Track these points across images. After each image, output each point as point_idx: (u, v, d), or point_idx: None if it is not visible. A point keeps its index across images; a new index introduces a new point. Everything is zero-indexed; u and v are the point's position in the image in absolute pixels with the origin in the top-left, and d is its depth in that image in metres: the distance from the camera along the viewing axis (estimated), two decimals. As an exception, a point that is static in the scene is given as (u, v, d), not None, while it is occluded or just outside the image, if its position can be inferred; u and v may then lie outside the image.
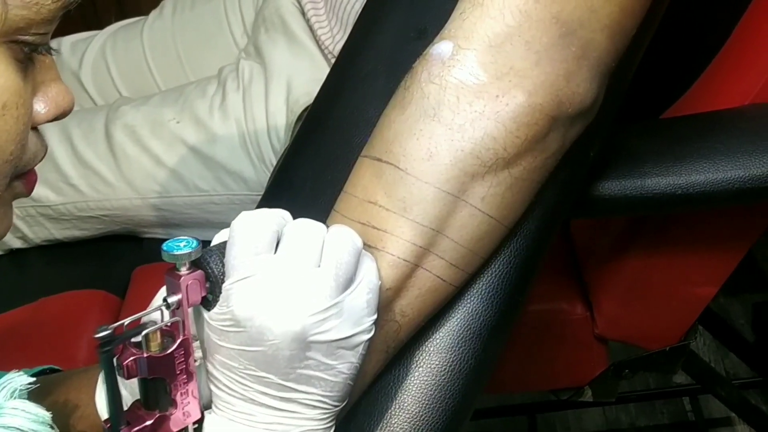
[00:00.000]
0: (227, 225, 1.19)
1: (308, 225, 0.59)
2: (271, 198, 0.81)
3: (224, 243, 0.59)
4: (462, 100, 0.63)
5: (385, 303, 0.63)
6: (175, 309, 0.57)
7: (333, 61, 1.17)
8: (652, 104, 0.97)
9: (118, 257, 1.30)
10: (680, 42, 0.93)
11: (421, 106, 0.64)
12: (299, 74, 1.18)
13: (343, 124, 0.78)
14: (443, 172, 0.63)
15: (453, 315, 0.70)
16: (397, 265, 0.64)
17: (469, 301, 0.70)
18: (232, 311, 0.56)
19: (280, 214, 0.60)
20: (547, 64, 0.64)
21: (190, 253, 0.55)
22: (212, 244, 0.61)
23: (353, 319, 0.58)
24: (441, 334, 0.70)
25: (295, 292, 0.56)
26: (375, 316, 0.60)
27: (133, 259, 1.27)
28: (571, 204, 0.75)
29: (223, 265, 0.57)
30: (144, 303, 1.29)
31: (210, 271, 0.57)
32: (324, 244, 0.58)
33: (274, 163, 1.16)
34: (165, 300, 0.57)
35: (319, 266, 0.57)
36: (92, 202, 1.24)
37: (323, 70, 1.16)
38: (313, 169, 0.79)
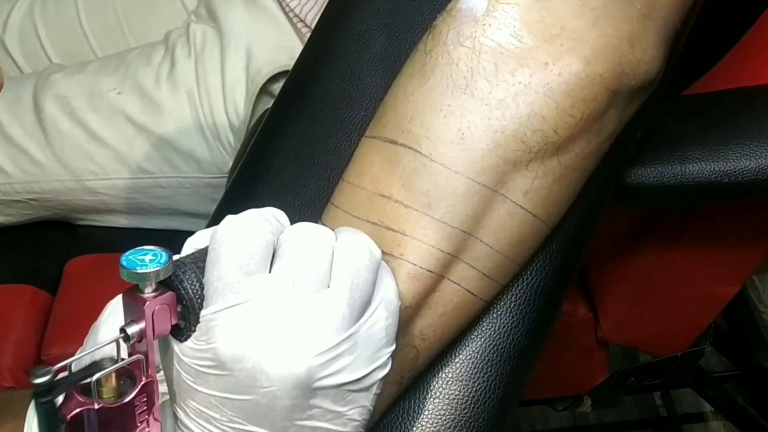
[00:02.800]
0: (176, 212, 1.03)
1: (312, 232, 0.45)
2: (241, 188, 0.66)
3: (201, 252, 0.45)
4: (502, 68, 0.50)
5: (402, 324, 0.49)
6: (137, 342, 0.42)
7: (300, 25, 1.03)
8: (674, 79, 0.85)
9: (48, 247, 1.16)
10: (710, 10, 0.81)
11: (449, 75, 0.51)
12: (261, 39, 1.03)
13: (331, 95, 0.65)
14: (478, 160, 0.50)
15: (477, 334, 0.57)
16: (418, 276, 0.50)
17: (496, 317, 0.57)
18: (214, 349, 0.42)
19: (275, 216, 0.46)
20: (608, 25, 0.51)
21: (158, 271, 0.41)
22: (183, 251, 0.47)
23: (369, 353, 0.45)
24: (462, 357, 0.57)
25: (298, 323, 0.43)
26: (393, 347, 0.46)
27: (66, 249, 1.13)
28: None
29: (201, 285, 0.43)
30: (79, 300, 1.10)
31: (183, 292, 0.43)
32: (334, 256, 0.45)
33: (232, 141, 1.01)
34: (123, 330, 0.42)
35: (328, 287, 0.44)
36: (18, 185, 1.08)
37: (288, 36, 1.02)
38: (295, 150, 0.64)
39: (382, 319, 0.46)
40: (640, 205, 0.79)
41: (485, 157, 0.50)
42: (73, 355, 0.51)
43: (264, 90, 1.02)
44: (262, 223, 0.45)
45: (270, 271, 0.44)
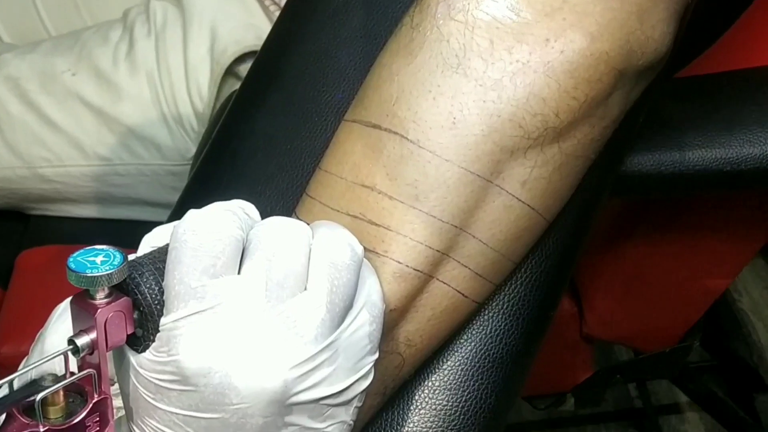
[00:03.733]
0: (135, 201, 0.97)
1: (287, 227, 0.40)
2: (205, 177, 0.61)
3: (160, 252, 0.39)
4: (498, 44, 0.45)
5: (386, 329, 0.44)
6: (88, 354, 0.37)
7: (267, 2, 0.97)
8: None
9: (-2, 239, 1.09)
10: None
11: (439, 53, 0.46)
12: (226, 18, 0.97)
13: (305, 75, 0.59)
14: (472, 146, 0.45)
15: (467, 338, 0.52)
16: (404, 276, 0.45)
17: (487, 319, 0.52)
18: (177, 361, 0.37)
19: (244, 210, 0.41)
20: None
21: (111, 274, 0.35)
22: (140, 250, 0.41)
23: (350, 362, 0.40)
24: (451, 364, 0.52)
25: (271, 332, 0.37)
26: (376, 355, 0.41)
27: (18, 240, 1.07)
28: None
29: (161, 289, 0.38)
30: (32, 295, 1.05)
31: (141, 297, 0.37)
32: (311, 254, 0.39)
33: (195, 126, 0.95)
34: (71, 341, 0.36)
35: (305, 289, 0.38)
36: (-35, 172, 1.01)
37: (256, 14, 0.97)
38: (265, 135, 0.59)
39: (365, 324, 0.41)
40: (636, 195, 0.74)
41: (479, 143, 0.45)
42: (26, 354, 0.46)
43: (229, 72, 0.96)
44: (229, 217, 0.39)
45: (239, 273, 0.38)
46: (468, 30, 0.45)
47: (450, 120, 0.45)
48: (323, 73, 0.58)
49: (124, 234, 1.01)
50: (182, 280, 0.37)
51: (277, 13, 0.97)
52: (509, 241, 0.47)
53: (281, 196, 0.56)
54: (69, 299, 0.39)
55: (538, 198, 0.47)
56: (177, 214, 0.59)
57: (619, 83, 0.47)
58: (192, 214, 0.39)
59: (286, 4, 0.63)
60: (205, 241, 0.38)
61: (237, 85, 0.98)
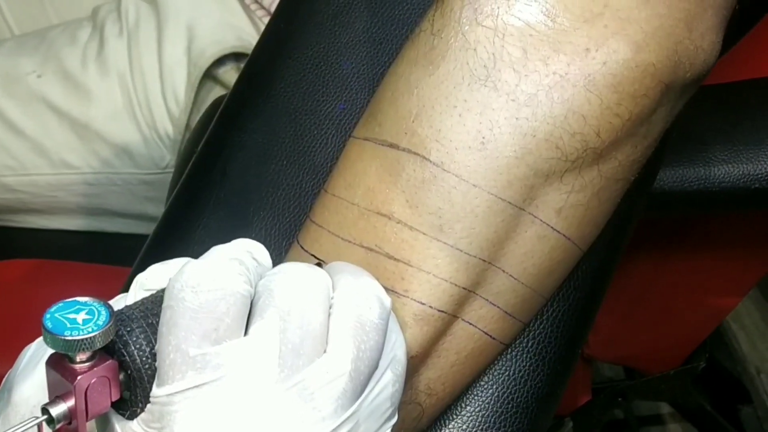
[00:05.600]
0: (106, 212, 0.90)
1: (304, 277, 0.34)
2: (190, 197, 0.54)
3: (152, 302, 0.33)
4: (532, 54, 0.39)
5: (405, 378, 0.38)
6: (66, 425, 0.31)
7: (249, 2, 0.90)
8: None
9: (-42, 252, 1.02)
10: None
11: (465, 63, 0.40)
12: (204, 16, 0.90)
13: (302, 83, 0.54)
14: (503, 170, 0.39)
15: (488, 381, 0.46)
16: (426, 318, 0.40)
17: (510, 359, 0.47)
18: None
19: (252, 254, 0.35)
20: (661, 3, 0.40)
21: (93, 337, 0.29)
22: (131, 293, 0.35)
23: (370, 428, 0.34)
24: (471, 409, 0.46)
25: (285, 410, 0.31)
26: (396, 419, 0.36)
27: (-21, 253, 0.99)
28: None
29: (152, 350, 0.32)
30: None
31: (129, 359, 0.32)
32: (333, 307, 0.34)
33: (171, 133, 0.89)
34: (45, 409, 0.31)
35: (324, 351, 0.33)
36: None
37: (236, 13, 0.90)
38: (258, 149, 0.53)
39: (388, 385, 0.35)
40: (657, 213, 0.69)
41: (511, 166, 0.40)
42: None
43: (208, 75, 0.90)
44: (235, 269, 0.33)
45: (246, 334, 0.33)
46: (498, 37, 0.40)
47: (478, 140, 0.40)
48: (323, 81, 0.53)
49: (94, 247, 0.94)
50: (179, 347, 0.31)
51: (259, 13, 0.91)
52: (542, 276, 0.42)
53: (278, 217, 0.50)
54: (40, 338, 0.33)
55: (574, 227, 0.42)
56: (161, 238, 0.53)
57: (665, 98, 0.42)
58: (191, 267, 0.33)
59: (280, 4, 0.57)
60: (207, 300, 0.32)
61: (216, 89, 0.92)
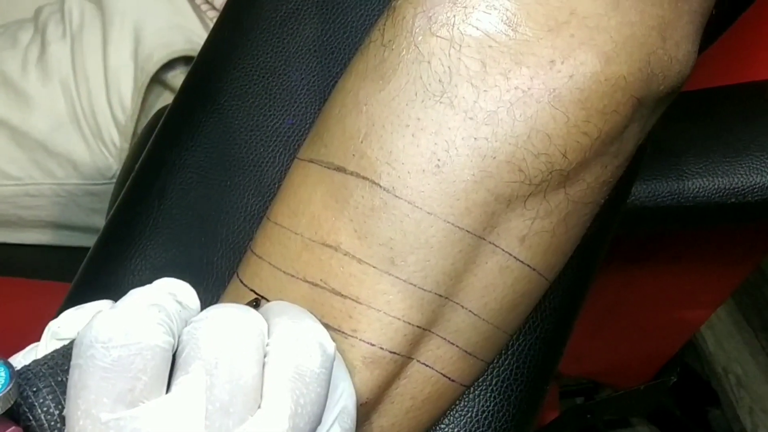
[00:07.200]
0: (49, 224, 0.85)
1: (234, 324, 0.30)
2: (127, 218, 0.50)
3: (63, 356, 0.29)
4: (492, 67, 0.36)
5: (356, 427, 0.34)
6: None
7: (199, 2, 0.86)
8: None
9: None
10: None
11: (418, 77, 0.36)
12: (152, 18, 0.85)
13: (247, 96, 0.49)
14: (461, 196, 0.36)
15: (448, 423, 0.43)
16: (377, 361, 0.36)
17: (472, 399, 0.43)
18: None
19: (176, 296, 0.31)
20: (632, 8, 0.37)
21: None
22: (42, 342, 0.31)
23: None
24: (429, 454, 0.42)
25: None
26: None
27: None
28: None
29: (62, 413, 0.28)
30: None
31: (35, 423, 0.27)
32: (268, 355, 0.30)
33: (117, 141, 0.84)
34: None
35: (259, 407, 0.29)
36: None
37: (186, 15, 0.86)
38: (200, 169, 0.49)
39: None
40: (629, 228, 0.66)
41: (470, 191, 0.36)
42: None
43: (156, 79, 0.85)
44: (153, 318, 0.29)
45: (168, 391, 0.29)
46: (454, 49, 0.36)
47: (433, 162, 0.36)
48: (270, 94, 0.48)
49: (37, 262, 0.89)
50: (89, 412, 0.27)
51: (210, 14, 0.87)
52: (505, 310, 0.38)
53: (220, 244, 0.46)
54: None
55: (539, 255, 0.38)
56: (92, 269, 0.48)
57: (637, 114, 0.38)
58: (101, 319, 0.29)
59: (225, 8, 0.53)
60: (120, 357, 0.28)
61: (165, 94, 0.87)
